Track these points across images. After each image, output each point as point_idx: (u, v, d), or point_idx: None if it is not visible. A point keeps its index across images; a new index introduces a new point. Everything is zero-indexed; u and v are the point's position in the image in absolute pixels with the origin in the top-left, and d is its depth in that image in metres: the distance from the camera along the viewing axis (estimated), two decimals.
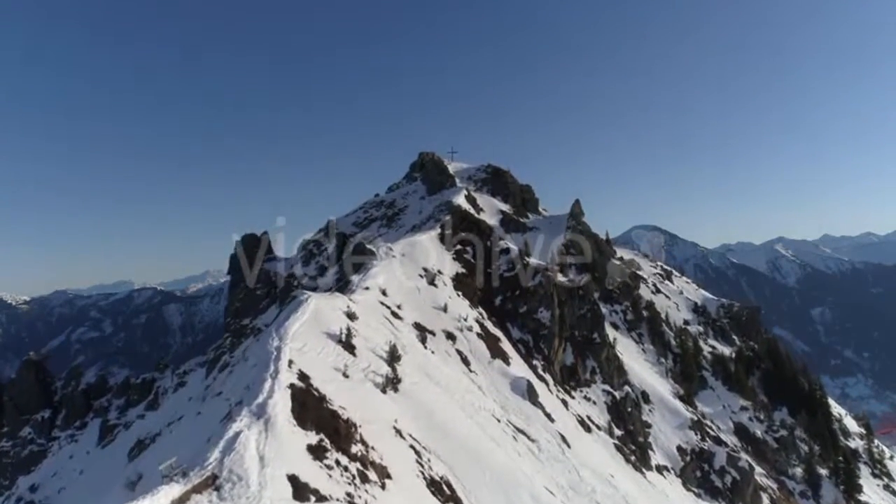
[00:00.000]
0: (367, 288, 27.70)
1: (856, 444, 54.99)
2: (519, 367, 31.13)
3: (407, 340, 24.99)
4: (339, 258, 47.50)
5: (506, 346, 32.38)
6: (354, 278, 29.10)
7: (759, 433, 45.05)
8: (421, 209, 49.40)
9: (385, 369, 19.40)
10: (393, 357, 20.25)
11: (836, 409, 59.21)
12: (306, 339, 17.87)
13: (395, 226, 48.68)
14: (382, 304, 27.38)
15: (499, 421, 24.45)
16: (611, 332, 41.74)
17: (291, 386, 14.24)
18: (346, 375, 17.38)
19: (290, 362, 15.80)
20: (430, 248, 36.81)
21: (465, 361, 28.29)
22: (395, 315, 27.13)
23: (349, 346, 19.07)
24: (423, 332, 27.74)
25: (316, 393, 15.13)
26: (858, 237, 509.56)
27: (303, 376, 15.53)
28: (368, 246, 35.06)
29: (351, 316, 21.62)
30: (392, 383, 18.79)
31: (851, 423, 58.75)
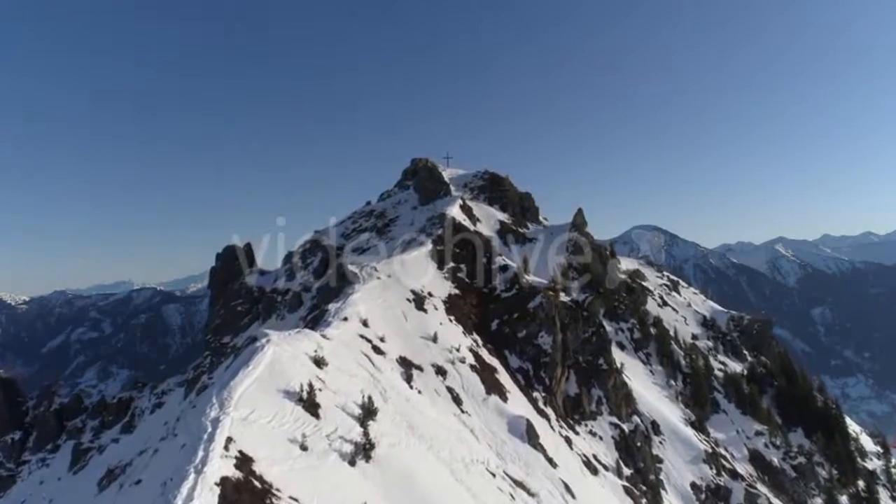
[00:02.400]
0: (345, 318, 24.42)
1: (873, 464, 52.09)
2: (517, 403, 27.92)
3: (389, 382, 21.76)
4: (325, 272, 44.31)
5: (503, 377, 29.17)
6: (331, 307, 25.81)
7: (775, 461, 41.95)
8: (413, 220, 46.12)
9: (356, 431, 16.14)
10: (367, 414, 16.98)
11: (852, 426, 56.38)
12: (256, 403, 14.58)
13: (385, 238, 45.40)
14: (362, 336, 24.12)
15: (494, 475, 21.26)
16: (617, 355, 38.57)
17: (222, 482, 10.97)
18: (304, 448, 14.10)
19: (229, 440, 12.53)
20: (419, 267, 33.55)
21: (457, 400, 25.07)
22: (376, 350, 23.87)
23: (312, 406, 15.79)
24: (409, 368, 24.52)
25: (258, 484, 11.88)
26: (858, 237, 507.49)
27: (243, 460, 12.26)
28: (350, 267, 31.77)
29: (319, 362, 18.33)
30: (364, 451, 15.51)
31: (867, 442, 55.95)
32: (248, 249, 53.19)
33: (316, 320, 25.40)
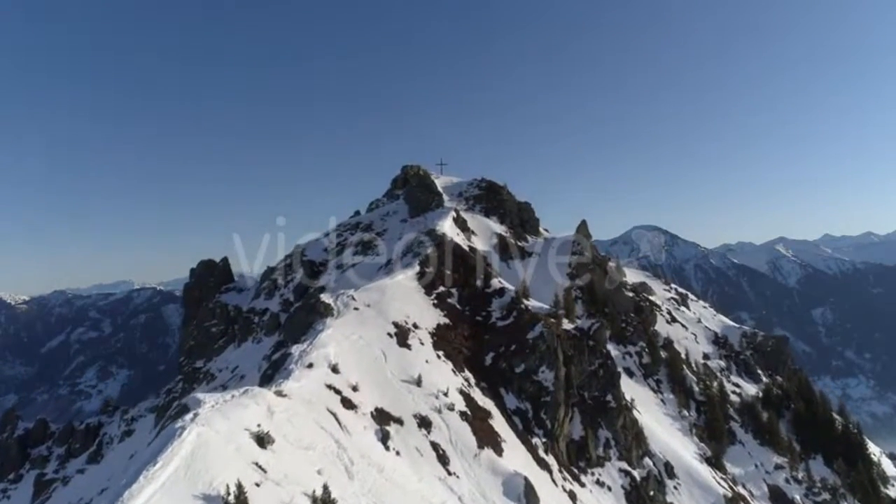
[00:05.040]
0: (309, 365, 20.69)
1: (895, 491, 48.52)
2: (514, 455, 24.20)
3: (358, 449, 17.99)
4: (306, 292, 40.57)
5: (498, 423, 25.44)
6: (295, 349, 22.02)
7: (797, 498, 38.31)
8: (401, 234, 42.29)
9: None
10: None
11: (871, 448, 52.94)
12: None
13: (371, 254, 41.57)
14: (330, 387, 20.36)
15: None
16: (625, 384, 34.83)
17: None
18: None
19: None
20: (404, 294, 29.78)
21: (443, 459, 21.33)
22: (346, 403, 20.12)
23: None
24: (386, 422, 20.78)
25: None
26: (859, 237, 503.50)
27: None
28: (323, 296, 27.97)
29: (262, 440, 14.52)
30: None
31: (888, 464, 52.46)
32: (225, 264, 49.50)
33: (277, 366, 21.63)
